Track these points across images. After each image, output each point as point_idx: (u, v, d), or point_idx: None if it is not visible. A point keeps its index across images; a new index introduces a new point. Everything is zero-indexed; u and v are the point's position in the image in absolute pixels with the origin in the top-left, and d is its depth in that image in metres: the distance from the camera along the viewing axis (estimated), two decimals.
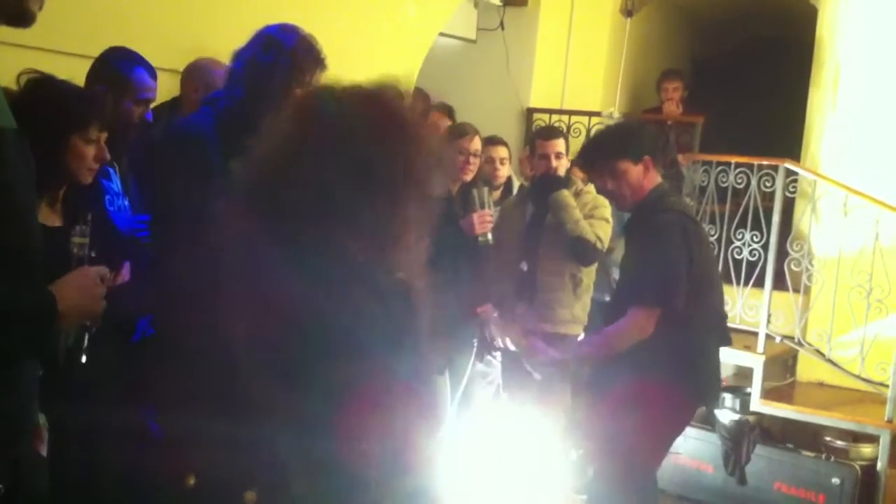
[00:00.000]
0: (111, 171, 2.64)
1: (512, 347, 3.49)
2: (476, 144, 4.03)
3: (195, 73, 3.45)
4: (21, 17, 1.50)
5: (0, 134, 1.46)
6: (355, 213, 1.49)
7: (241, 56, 2.49)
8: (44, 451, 1.74)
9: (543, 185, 4.09)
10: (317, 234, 1.47)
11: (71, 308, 1.56)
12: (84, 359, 1.78)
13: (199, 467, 1.42)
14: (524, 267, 4.09)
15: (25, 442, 1.60)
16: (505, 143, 4.57)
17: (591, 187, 4.12)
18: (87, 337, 1.80)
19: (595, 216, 4.02)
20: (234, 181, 1.56)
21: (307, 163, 1.48)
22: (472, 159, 4.00)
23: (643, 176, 3.25)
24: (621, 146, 3.28)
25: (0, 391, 1.49)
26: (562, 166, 4.11)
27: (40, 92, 2.19)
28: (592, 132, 6.39)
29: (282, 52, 2.42)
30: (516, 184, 4.93)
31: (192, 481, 1.43)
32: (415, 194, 1.55)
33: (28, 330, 1.49)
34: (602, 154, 3.33)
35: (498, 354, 4.34)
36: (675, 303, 3.09)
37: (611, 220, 4.05)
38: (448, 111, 5.12)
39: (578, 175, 4.37)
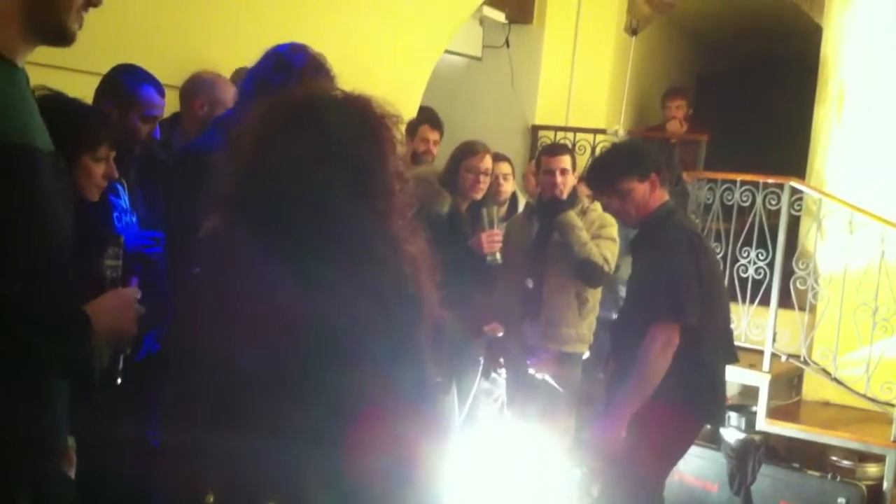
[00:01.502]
0: (119, 187, 2.65)
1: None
2: (487, 163, 4.02)
3: (199, 88, 3.36)
4: (62, 36, 1.52)
5: (37, 155, 1.47)
6: (347, 211, 1.50)
7: (250, 76, 2.49)
8: (72, 474, 1.73)
9: (550, 207, 4.10)
10: (313, 237, 1.47)
11: (105, 329, 1.56)
12: (119, 381, 1.78)
13: (217, 484, 1.42)
14: (529, 284, 4.09)
15: (54, 461, 1.59)
16: (508, 160, 4.58)
17: (596, 205, 4.12)
18: (122, 359, 1.80)
19: (602, 236, 4.02)
20: (220, 192, 1.56)
21: (293, 166, 1.49)
22: (482, 178, 3.99)
23: (649, 194, 3.25)
24: (627, 165, 3.28)
25: (32, 409, 1.49)
26: (567, 182, 4.10)
27: (52, 111, 2.19)
28: (598, 152, 6.41)
29: (292, 72, 2.42)
30: (521, 200, 4.93)
31: (210, 499, 1.42)
32: (396, 184, 1.57)
33: (62, 349, 1.49)
34: (608, 174, 3.33)
35: (503, 372, 4.34)
36: (688, 318, 3.08)
37: (618, 239, 4.05)
38: (434, 121, 5.09)
39: (584, 192, 4.37)
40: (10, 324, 1.39)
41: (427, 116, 5.15)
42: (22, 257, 1.42)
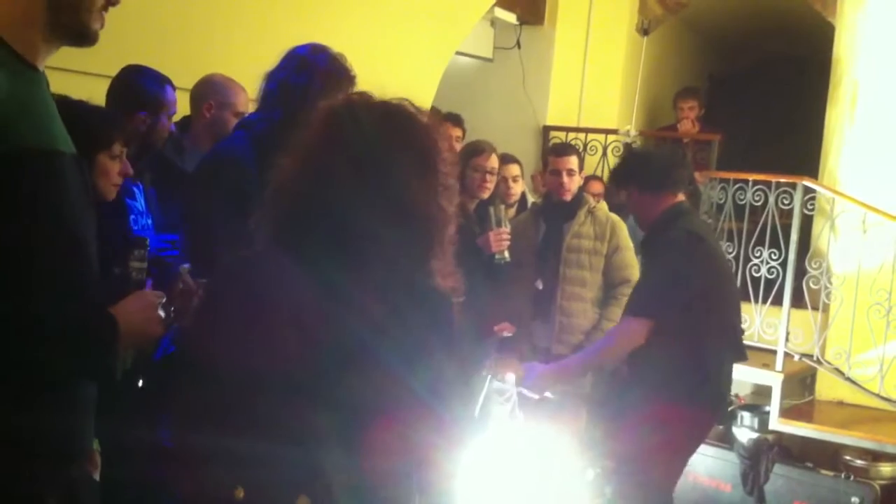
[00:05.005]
0: (135, 189, 2.67)
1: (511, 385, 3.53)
2: (493, 162, 4.02)
3: (209, 90, 3.37)
4: (85, 36, 1.53)
5: (61, 160, 1.48)
6: (378, 231, 1.51)
7: (273, 78, 2.50)
8: (96, 476, 1.75)
9: (557, 208, 4.11)
10: (330, 244, 1.49)
11: (131, 331, 1.57)
12: (140, 382, 1.79)
13: (246, 479, 1.43)
14: (539, 286, 4.08)
15: (81, 463, 1.61)
16: (517, 161, 4.58)
17: (602, 205, 4.13)
18: (144, 361, 1.79)
19: (620, 247, 4.01)
20: (262, 203, 1.58)
21: (329, 184, 1.50)
22: (488, 177, 3.98)
23: (650, 204, 3.35)
24: (628, 173, 3.43)
25: (60, 411, 1.50)
26: (574, 183, 4.10)
27: (64, 113, 2.22)
28: (610, 152, 6.43)
29: (315, 73, 2.43)
30: (530, 200, 4.94)
31: (241, 494, 1.43)
32: (438, 209, 1.57)
33: (89, 352, 1.50)
34: (615, 175, 3.52)
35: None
36: (664, 314, 3.12)
37: (630, 243, 4.05)
38: (456, 121, 5.14)
39: (593, 190, 4.39)
40: (38, 332, 1.41)
41: (448, 114, 5.20)
42: (48, 264, 1.43)
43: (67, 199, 1.48)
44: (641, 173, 3.38)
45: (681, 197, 3.36)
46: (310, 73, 2.44)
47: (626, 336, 3.18)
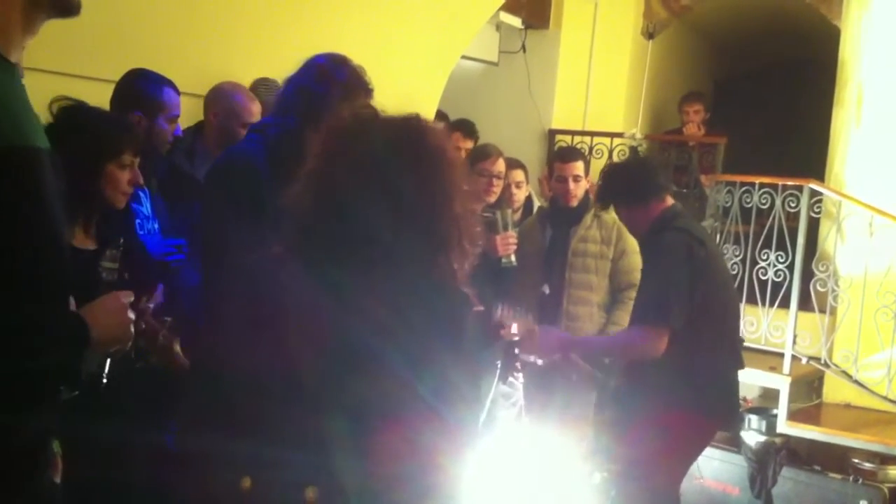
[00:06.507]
0: (142, 194, 2.68)
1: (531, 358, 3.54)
2: (500, 166, 4.01)
3: (216, 98, 3.43)
4: (68, 7, 1.51)
5: (36, 154, 1.46)
6: (383, 235, 1.51)
7: (292, 84, 2.50)
8: (57, 479, 1.71)
9: (564, 213, 4.10)
10: (335, 246, 1.49)
11: (102, 334, 1.53)
12: (104, 382, 1.72)
13: (253, 469, 1.43)
14: (546, 290, 4.08)
15: (46, 469, 1.58)
16: (521, 166, 4.56)
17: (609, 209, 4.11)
18: (108, 362, 1.74)
19: (626, 251, 4.00)
20: (281, 215, 1.59)
21: (340, 193, 1.51)
22: (495, 181, 3.97)
23: (640, 215, 3.36)
24: (613, 191, 3.44)
25: (27, 417, 1.45)
26: (580, 188, 4.09)
27: (75, 120, 2.23)
28: (615, 155, 6.43)
29: (334, 83, 2.43)
30: (536, 204, 4.93)
31: (247, 483, 1.44)
32: (449, 214, 1.57)
33: (59, 356, 1.47)
34: (601, 194, 3.54)
35: (520, 376, 4.33)
36: (672, 321, 3.11)
37: (637, 246, 4.04)
38: (469, 131, 5.12)
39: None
40: (14, 334, 1.37)
41: (460, 124, 5.19)
42: (28, 263, 1.40)
43: (46, 197, 1.45)
44: (623, 190, 3.39)
45: (669, 201, 3.37)
46: (329, 82, 2.43)
47: (652, 343, 3.13)
